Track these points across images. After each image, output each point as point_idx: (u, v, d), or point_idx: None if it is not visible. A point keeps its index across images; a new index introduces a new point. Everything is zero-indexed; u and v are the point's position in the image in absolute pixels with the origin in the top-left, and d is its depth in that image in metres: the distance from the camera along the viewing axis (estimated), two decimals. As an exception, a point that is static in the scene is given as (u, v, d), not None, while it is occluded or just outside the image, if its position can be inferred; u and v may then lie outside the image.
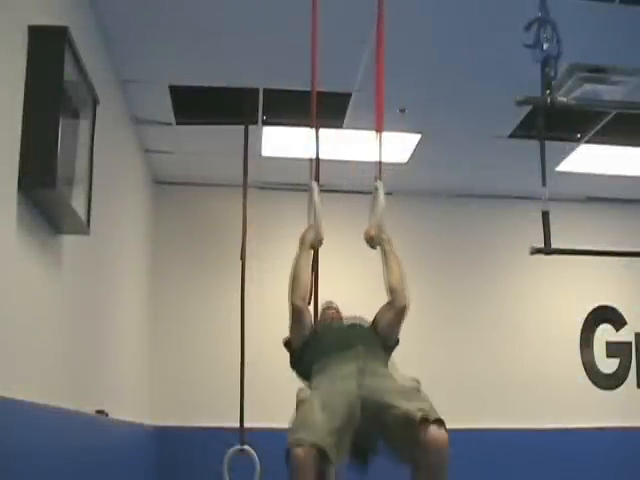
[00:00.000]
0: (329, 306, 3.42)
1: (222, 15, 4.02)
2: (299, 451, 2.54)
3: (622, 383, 6.76)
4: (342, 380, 2.78)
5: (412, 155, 5.90)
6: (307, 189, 3.25)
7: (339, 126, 5.45)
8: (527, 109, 4.85)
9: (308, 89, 3.37)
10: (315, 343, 3.08)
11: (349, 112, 5.24)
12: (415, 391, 2.78)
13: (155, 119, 5.38)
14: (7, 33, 2.55)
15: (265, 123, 5.45)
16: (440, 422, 2.60)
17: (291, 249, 3.23)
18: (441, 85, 4.85)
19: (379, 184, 3.23)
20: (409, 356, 3.20)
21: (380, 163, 3.33)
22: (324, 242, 3.29)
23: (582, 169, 6.25)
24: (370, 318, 3.18)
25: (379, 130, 3.22)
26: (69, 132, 3.07)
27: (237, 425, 4.88)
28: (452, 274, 6.77)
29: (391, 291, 3.08)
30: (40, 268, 3.00)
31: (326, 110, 4.70)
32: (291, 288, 3.10)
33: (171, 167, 6.39)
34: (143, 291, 6.00)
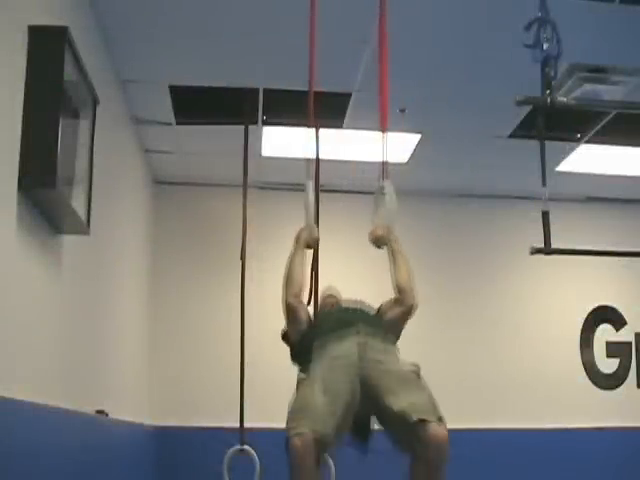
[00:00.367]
0: (330, 295, 3.40)
1: (222, 15, 4.01)
2: (298, 442, 2.55)
3: (622, 383, 6.76)
4: (343, 360, 2.77)
5: (412, 155, 5.90)
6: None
7: (339, 126, 5.45)
8: (527, 109, 4.85)
9: (308, 89, 3.36)
10: (314, 331, 3.04)
11: (349, 112, 5.24)
12: (415, 378, 2.77)
13: (155, 119, 5.38)
14: (7, 33, 2.55)
15: (265, 123, 5.45)
16: (439, 419, 2.61)
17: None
18: (441, 85, 4.85)
19: (387, 183, 3.14)
20: (409, 356, 3.18)
21: (385, 163, 3.24)
22: (320, 241, 3.27)
23: (582, 169, 6.25)
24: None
25: (383, 130, 3.17)
26: (69, 132, 3.07)
27: (237, 425, 4.87)
28: (452, 274, 6.77)
29: (399, 290, 3.05)
30: (40, 268, 3.00)
31: (326, 110, 4.72)
32: (285, 286, 3.08)
33: (171, 167, 6.39)
34: (143, 291, 6.00)
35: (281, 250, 3.15)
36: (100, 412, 3.97)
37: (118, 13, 3.96)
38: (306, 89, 3.25)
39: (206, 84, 4.91)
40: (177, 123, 5.44)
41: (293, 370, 3.08)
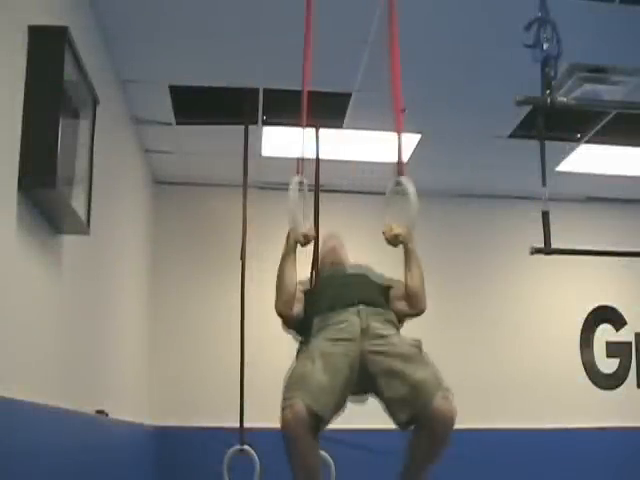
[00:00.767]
0: (332, 247, 3.32)
1: (222, 15, 4.02)
2: (289, 413, 2.55)
3: (622, 383, 6.76)
4: (344, 341, 2.75)
5: (412, 155, 5.90)
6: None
7: (339, 126, 5.45)
8: (527, 109, 4.85)
9: (309, 89, 3.35)
10: (315, 301, 2.99)
11: (349, 112, 5.24)
12: (417, 354, 2.76)
13: (155, 119, 5.38)
14: (7, 33, 2.55)
15: (265, 123, 5.45)
16: (445, 393, 2.60)
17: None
18: (441, 85, 4.85)
19: (405, 179, 2.91)
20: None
21: (401, 159, 3.08)
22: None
23: (582, 169, 6.25)
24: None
25: (398, 130, 3.08)
26: (69, 132, 3.07)
27: (237, 425, 4.87)
28: (452, 274, 6.76)
29: (412, 295, 3.00)
30: (40, 268, 3.00)
31: (326, 110, 4.72)
32: (275, 295, 3.03)
33: (171, 167, 6.39)
34: (143, 291, 6.00)
35: (281, 250, 3.14)
36: (100, 412, 3.97)
37: (118, 13, 3.96)
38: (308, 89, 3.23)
39: (206, 84, 4.91)
40: (177, 123, 5.44)
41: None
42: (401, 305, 3.03)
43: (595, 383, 6.74)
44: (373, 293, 3.00)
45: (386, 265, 3.17)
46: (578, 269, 6.52)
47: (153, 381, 6.17)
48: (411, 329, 3.16)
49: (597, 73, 4.52)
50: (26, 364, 2.76)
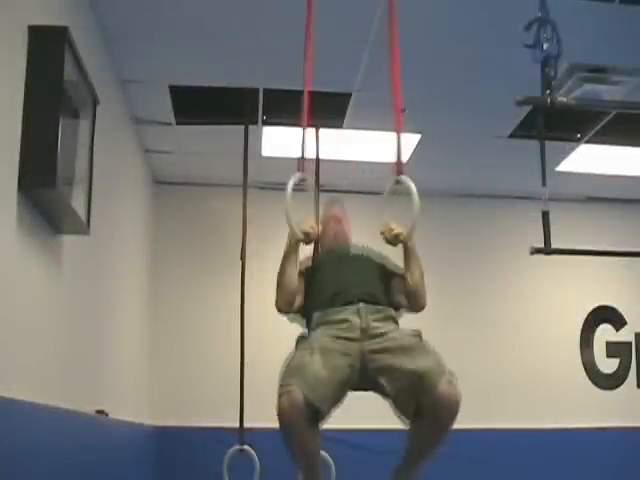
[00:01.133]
0: (334, 216, 3.25)
1: (222, 15, 4.02)
2: (285, 400, 2.52)
3: (622, 383, 6.76)
4: (344, 341, 2.73)
5: (412, 155, 5.90)
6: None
7: (339, 126, 5.45)
8: (527, 109, 4.85)
9: (310, 89, 3.36)
10: (315, 289, 2.96)
11: (349, 112, 5.24)
12: (418, 343, 2.74)
13: (155, 119, 5.38)
14: (7, 33, 2.56)
15: (265, 123, 5.45)
16: (449, 378, 2.59)
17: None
18: (441, 85, 4.85)
19: (405, 179, 2.80)
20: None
21: (400, 159, 2.97)
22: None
23: (582, 169, 6.25)
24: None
25: (398, 131, 3.04)
26: (69, 132, 3.07)
27: (237, 425, 4.87)
28: (452, 274, 6.76)
29: (412, 291, 2.98)
30: (40, 268, 3.00)
31: (326, 110, 4.72)
32: (276, 292, 3.02)
33: (171, 167, 6.39)
34: (143, 291, 6.00)
35: (281, 250, 3.13)
36: (100, 412, 3.97)
37: (118, 13, 3.96)
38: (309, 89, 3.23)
39: (206, 84, 4.91)
40: (177, 123, 5.44)
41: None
42: (401, 299, 3.03)
43: (595, 383, 6.74)
44: (373, 286, 2.96)
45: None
46: (578, 269, 6.52)
47: (153, 381, 6.17)
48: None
49: (597, 73, 4.52)
50: (26, 364, 2.76)
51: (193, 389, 6.23)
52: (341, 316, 2.81)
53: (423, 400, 2.58)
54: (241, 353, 4.91)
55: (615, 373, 6.78)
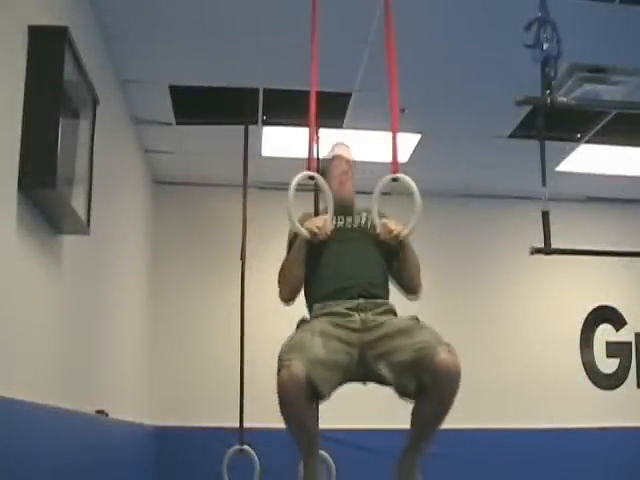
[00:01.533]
0: (338, 156, 3.17)
1: (222, 15, 4.02)
2: (285, 373, 2.50)
3: (622, 383, 6.75)
4: (345, 330, 2.73)
5: (412, 155, 5.90)
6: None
7: (339, 126, 5.45)
8: (527, 109, 4.85)
9: (308, 89, 3.36)
10: (315, 268, 2.93)
11: (349, 112, 5.24)
12: (415, 323, 2.75)
13: (155, 119, 5.38)
14: (7, 33, 2.55)
15: (265, 123, 5.46)
16: (448, 347, 2.58)
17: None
18: (441, 85, 4.85)
19: (405, 177, 2.75)
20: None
21: (395, 157, 2.88)
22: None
23: (582, 169, 6.25)
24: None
25: (394, 131, 3.03)
26: (69, 132, 3.07)
27: (237, 425, 4.87)
28: (452, 274, 6.77)
29: (408, 280, 3.00)
30: (40, 268, 3.00)
31: (326, 110, 4.71)
32: (280, 285, 3.01)
33: (171, 167, 6.39)
34: (143, 291, 6.00)
35: (281, 250, 3.14)
36: (100, 412, 3.97)
37: (118, 13, 3.96)
38: (306, 89, 3.24)
39: (206, 84, 4.91)
40: (177, 123, 5.44)
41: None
42: (394, 282, 3.03)
43: (595, 383, 6.74)
44: (374, 278, 2.93)
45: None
46: (578, 269, 6.53)
47: (153, 381, 6.17)
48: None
49: (597, 73, 4.52)
50: (26, 364, 2.76)
51: (193, 389, 6.23)
52: (342, 310, 2.81)
53: (423, 376, 2.58)
54: (241, 353, 4.91)
55: (615, 373, 6.77)
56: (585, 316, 6.85)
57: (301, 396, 2.51)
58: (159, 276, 6.40)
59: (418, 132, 5.57)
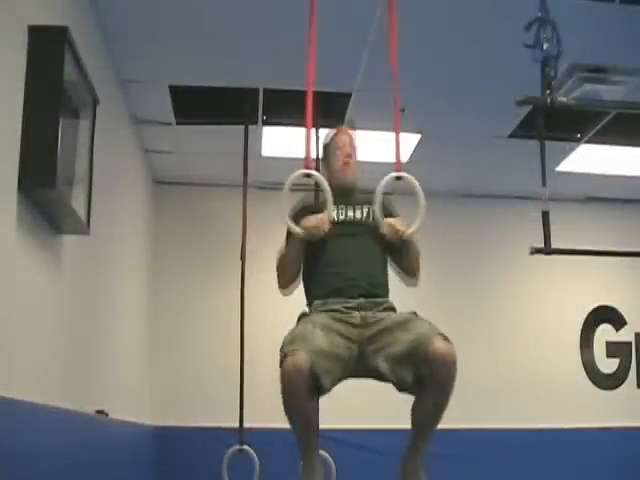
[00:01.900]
0: (342, 136, 3.15)
1: (222, 15, 4.02)
2: (289, 362, 2.50)
3: (622, 383, 6.75)
4: (345, 325, 2.74)
5: (412, 155, 5.90)
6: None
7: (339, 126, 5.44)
8: (527, 109, 4.85)
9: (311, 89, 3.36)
10: (315, 262, 2.92)
11: (349, 112, 5.24)
12: (413, 317, 2.76)
13: (155, 119, 5.38)
14: (7, 33, 2.55)
15: (265, 123, 5.46)
16: (443, 336, 2.60)
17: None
18: (441, 85, 4.85)
19: (409, 177, 2.80)
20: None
21: (399, 157, 2.99)
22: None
23: (582, 169, 6.25)
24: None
25: (397, 130, 3.05)
26: (69, 132, 3.07)
27: (237, 425, 4.87)
28: (452, 274, 6.77)
29: (409, 272, 3.03)
30: (40, 268, 3.00)
31: (326, 110, 4.71)
32: (279, 275, 3.01)
33: (171, 167, 6.39)
34: (143, 291, 6.00)
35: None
36: (100, 412, 3.97)
37: (118, 12, 3.96)
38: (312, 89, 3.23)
39: (206, 84, 4.91)
40: (177, 123, 5.44)
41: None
42: (398, 267, 3.04)
43: (595, 383, 6.74)
44: (374, 276, 2.93)
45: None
46: (578, 269, 6.52)
47: (153, 381, 6.18)
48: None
49: (597, 73, 4.52)
50: (26, 364, 2.76)
51: (193, 389, 6.23)
52: (342, 308, 2.82)
53: (420, 366, 2.59)
54: (241, 353, 4.91)
55: (615, 373, 6.78)
56: (585, 316, 6.85)
57: (304, 386, 2.52)
58: (159, 276, 6.39)
59: (418, 132, 5.57)
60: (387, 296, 2.95)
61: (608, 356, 6.79)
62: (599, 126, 5.45)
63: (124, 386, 5.05)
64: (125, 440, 4.86)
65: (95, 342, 4.15)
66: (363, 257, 2.95)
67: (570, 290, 6.89)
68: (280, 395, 2.58)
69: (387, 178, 2.82)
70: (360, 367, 2.74)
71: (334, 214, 2.94)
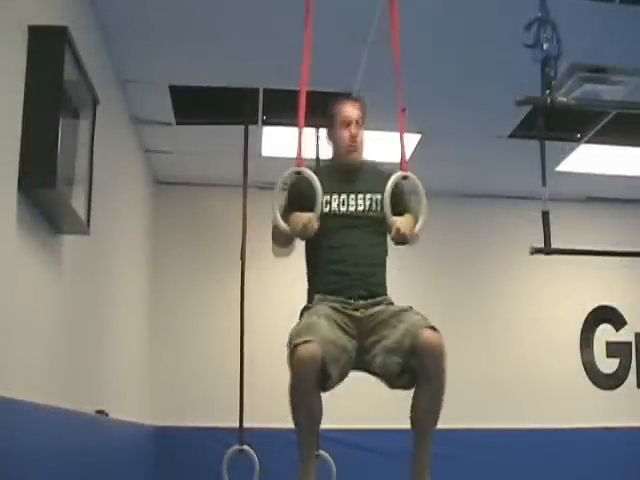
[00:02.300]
0: (348, 131, 3.11)
1: (222, 15, 4.01)
2: (302, 350, 2.52)
3: (622, 383, 6.75)
4: (345, 317, 2.77)
5: (412, 155, 5.90)
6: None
7: (339, 126, 5.44)
8: (527, 109, 4.85)
9: (308, 89, 3.36)
10: (316, 253, 2.94)
11: (349, 112, 5.23)
12: (408, 309, 2.79)
13: (155, 119, 5.38)
14: (7, 33, 2.55)
15: (265, 123, 5.45)
16: (433, 327, 2.64)
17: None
18: (441, 85, 4.85)
19: (413, 177, 2.89)
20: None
21: (403, 155, 3.06)
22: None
23: (582, 169, 6.25)
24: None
25: (400, 130, 3.06)
26: (69, 132, 3.07)
27: (236, 425, 4.87)
28: (452, 274, 6.77)
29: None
30: (40, 268, 3.00)
31: (326, 110, 4.71)
32: (273, 243, 3.10)
33: (171, 167, 6.39)
34: (143, 291, 6.00)
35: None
36: (100, 412, 3.97)
37: (118, 12, 3.96)
38: (306, 89, 3.24)
39: (206, 84, 4.91)
40: (177, 123, 5.44)
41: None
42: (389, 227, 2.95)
43: (595, 383, 6.74)
44: (375, 275, 2.93)
45: (388, 263, 3.15)
46: (578, 269, 6.52)
47: (153, 381, 6.17)
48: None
49: (597, 73, 4.52)
50: (26, 364, 2.76)
51: (193, 389, 6.23)
52: (340, 307, 2.84)
53: (410, 358, 2.62)
54: (241, 353, 4.92)
55: (615, 373, 6.78)
56: (585, 316, 6.85)
57: (314, 375, 2.55)
58: (159, 276, 6.39)
59: (418, 132, 5.57)
60: (386, 293, 2.96)
61: (608, 356, 6.78)
62: (599, 126, 5.45)
63: (124, 386, 5.05)
64: (125, 440, 4.86)
65: (95, 342, 4.15)
66: (364, 254, 2.94)
67: (570, 290, 6.89)
68: (279, 395, 2.59)
69: (394, 177, 2.90)
70: (358, 361, 2.78)
71: (335, 205, 2.94)
